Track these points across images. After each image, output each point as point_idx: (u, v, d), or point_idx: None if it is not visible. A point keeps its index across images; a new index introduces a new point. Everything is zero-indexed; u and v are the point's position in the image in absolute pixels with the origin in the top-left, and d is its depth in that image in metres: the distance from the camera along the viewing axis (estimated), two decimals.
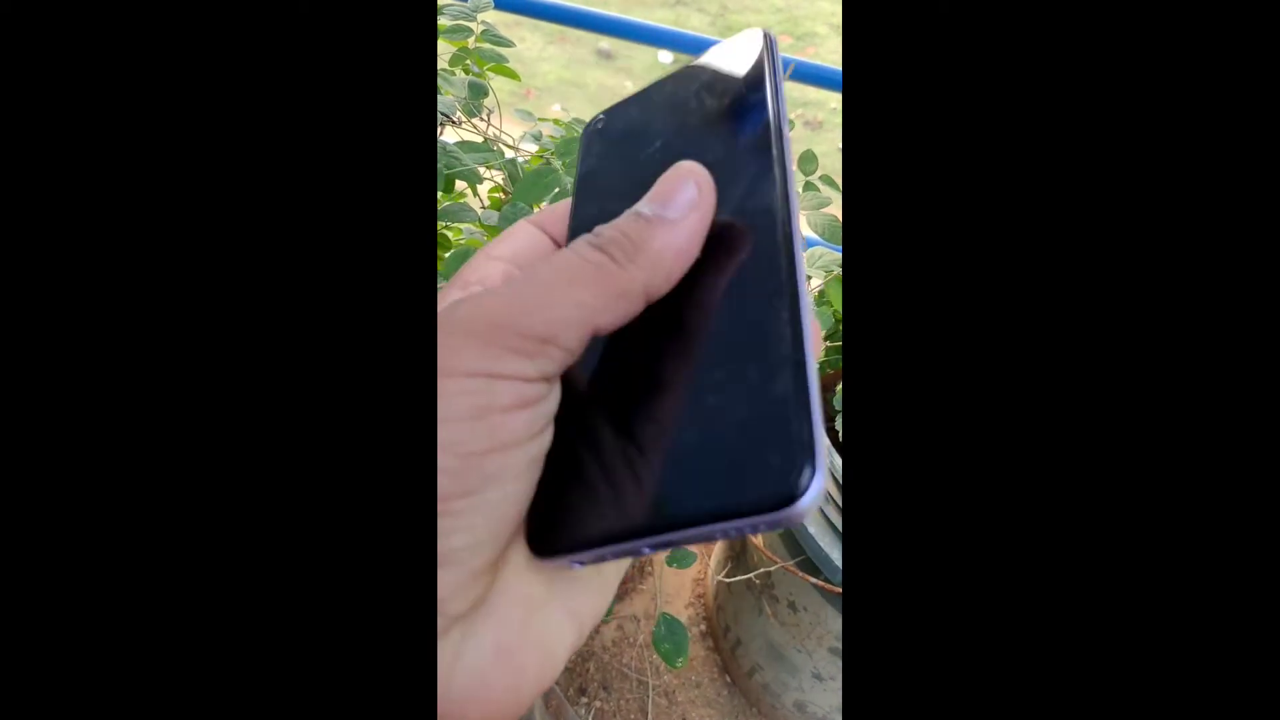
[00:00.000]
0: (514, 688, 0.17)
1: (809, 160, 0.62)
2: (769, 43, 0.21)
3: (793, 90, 2.72)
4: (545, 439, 0.18)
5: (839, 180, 0.64)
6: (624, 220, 0.18)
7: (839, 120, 2.66)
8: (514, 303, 0.17)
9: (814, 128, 2.64)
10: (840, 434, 0.60)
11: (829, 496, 0.71)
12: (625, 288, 0.17)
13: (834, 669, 0.86)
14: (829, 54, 3.01)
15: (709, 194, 0.18)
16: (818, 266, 0.57)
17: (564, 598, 0.19)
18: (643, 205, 0.18)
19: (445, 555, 0.16)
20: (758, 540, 0.82)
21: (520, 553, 0.18)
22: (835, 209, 0.62)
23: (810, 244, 0.66)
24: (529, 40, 2.83)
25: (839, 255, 0.58)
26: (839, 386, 0.61)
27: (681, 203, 0.18)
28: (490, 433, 0.16)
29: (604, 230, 0.18)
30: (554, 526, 0.18)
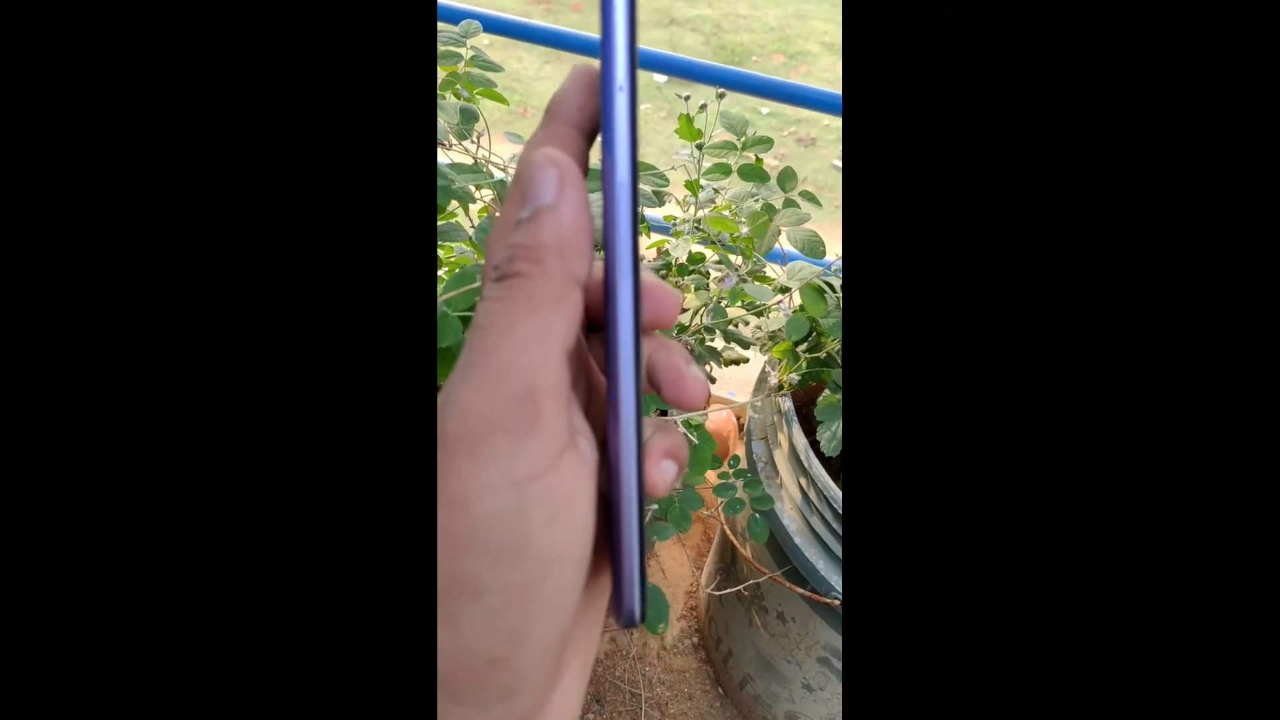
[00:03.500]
0: None
1: (789, 177, 0.64)
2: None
3: (786, 107, 2.75)
4: (590, 502, 0.18)
5: (826, 195, 0.66)
6: (513, 235, 0.18)
7: (831, 137, 2.69)
8: (479, 386, 0.16)
9: (806, 144, 2.67)
10: (821, 444, 0.62)
11: (813, 507, 0.72)
12: (553, 291, 0.17)
13: (824, 679, 0.87)
14: (821, 72, 3.05)
15: (569, 165, 0.18)
16: (796, 279, 0.59)
17: (580, 655, 0.19)
18: (521, 211, 0.18)
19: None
20: (746, 552, 0.83)
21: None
22: (814, 224, 0.64)
23: (792, 258, 0.68)
24: (526, 59, 2.88)
25: (818, 269, 0.60)
26: (821, 397, 0.62)
27: (548, 186, 0.17)
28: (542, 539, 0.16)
29: (499, 259, 0.17)
30: (638, 595, 0.19)
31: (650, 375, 0.20)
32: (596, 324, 0.19)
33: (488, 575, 0.16)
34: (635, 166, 0.18)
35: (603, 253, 0.18)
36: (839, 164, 2.53)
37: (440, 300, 0.39)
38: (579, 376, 0.20)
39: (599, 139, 0.19)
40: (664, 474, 0.19)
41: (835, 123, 2.75)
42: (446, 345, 0.39)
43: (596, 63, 0.18)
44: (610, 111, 0.18)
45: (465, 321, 0.39)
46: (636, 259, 0.18)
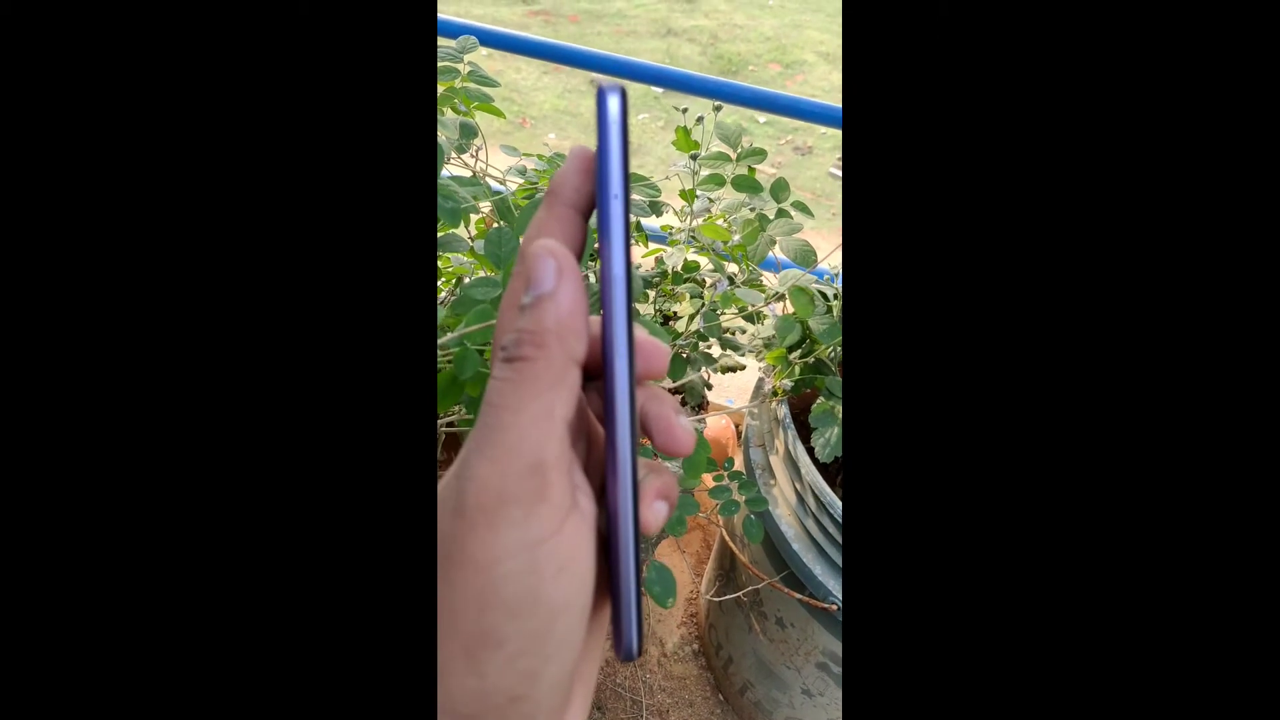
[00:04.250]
0: None
1: (781, 188, 0.65)
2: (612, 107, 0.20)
3: (782, 115, 2.77)
4: (589, 557, 0.20)
5: (824, 203, 0.67)
6: (519, 320, 0.20)
7: (828, 145, 2.71)
8: (494, 461, 0.18)
9: (804, 153, 2.69)
10: (816, 450, 0.63)
11: (809, 512, 0.72)
12: (555, 373, 0.19)
13: (823, 685, 0.87)
14: (818, 81, 3.07)
15: (566, 256, 0.20)
16: (786, 285, 0.60)
17: (585, 682, 0.22)
18: (524, 297, 0.20)
19: None
20: (745, 558, 0.84)
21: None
22: (812, 231, 0.65)
23: (785, 266, 0.69)
24: (525, 71, 2.90)
25: (812, 277, 0.61)
26: (815, 404, 0.63)
27: (547, 276, 0.20)
28: (551, 592, 0.18)
29: (505, 340, 0.19)
30: (635, 632, 0.21)
31: (643, 424, 0.22)
32: (592, 374, 0.21)
33: (508, 626, 0.18)
34: (629, 263, 0.20)
35: (601, 322, 0.20)
36: (836, 172, 2.54)
37: (460, 335, 0.41)
38: (579, 433, 0.22)
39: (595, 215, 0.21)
40: (656, 514, 0.22)
41: (832, 131, 2.76)
42: (465, 378, 0.41)
43: (592, 150, 0.20)
44: (606, 215, 0.20)
45: (483, 353, 0.41)
46: (631, 338, 0.20)
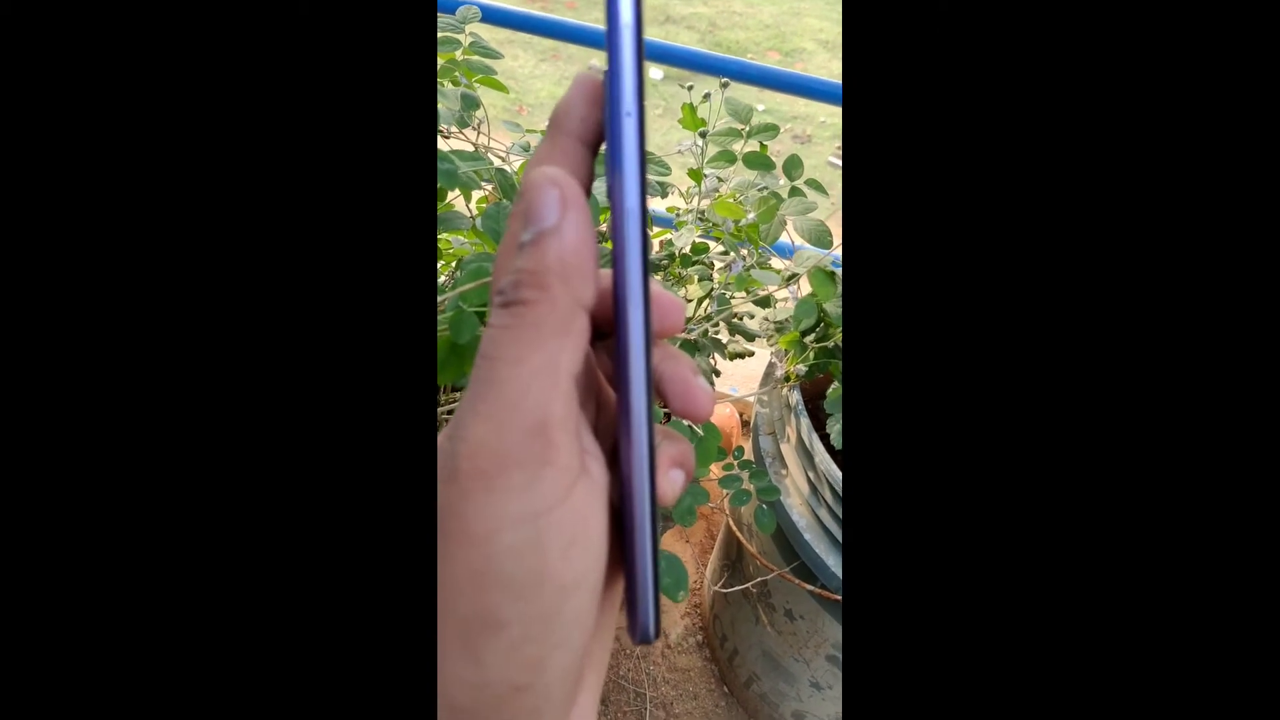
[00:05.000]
0: None
1: (795, 165, 0.63)
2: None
3: (782, 104, 2.75)
4: (602, 521, 0.17)
5: (826, 187, 0.65)
6: (517, 259, 0.17)
7: (827, 134, 2.68)
8: (490, 419, 0.16)
9: (803, 141, 2.66)
10: (831, 437, 0.61)
11: (822, 501, 0.71)
12: (559, 319, 0.16)
13: (832, 678, 0.86)
14: (817, 69, 3.05)
15: (571, 186, 0.17)
16: (804, 265, 0.58)
17: (596, 668, 0.19)
18: (523, 234, 0.17)
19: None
20: (753, 548, 0.82)
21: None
22: (820, 214, 0.63)
23: (791, 251, 0.67)
24: (521, 58, 2.86)
25: (825, 256, 0.59)
26: (830, 389, 0.61)
27: (550, 208, 0.17)
28: (559, 570, 0.16)
29: (502, 284, 0.17)
30: (652, 614, 0.19)
31: (657, 385, 0.20)
32: (602, 331, 0.19)
33: (509, 609, 0.16)
34: (644, 191, 0.18)
35: (612, 272, 0.18)
36: (835, 161, 2.52)
37: (457, 295, 0.38)
38: (588, 393, 0.20)
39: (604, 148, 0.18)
40: (672, 483, 0.19)
41: (831, 120, 2.74)
42: (464, 342, 0.38)
43: (599, 74, 0.18)
44: (618, 136, 0.17)
45: (481, 316, 0.38)
46: (647, 285, 0.18)
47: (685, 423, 0.58)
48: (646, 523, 0.18)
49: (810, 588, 0.71)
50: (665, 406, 0.21)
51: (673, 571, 0.55)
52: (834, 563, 0.69)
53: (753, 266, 0.62)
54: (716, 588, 0.95)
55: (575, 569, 0.16)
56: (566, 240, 0.17)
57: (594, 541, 0.17)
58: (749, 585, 0.87)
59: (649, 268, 0.18)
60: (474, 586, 0.16)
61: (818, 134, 2.70)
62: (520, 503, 0.16)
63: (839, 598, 0.69)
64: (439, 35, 0.56)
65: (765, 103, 2.68)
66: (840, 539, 0.69)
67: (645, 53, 0.18)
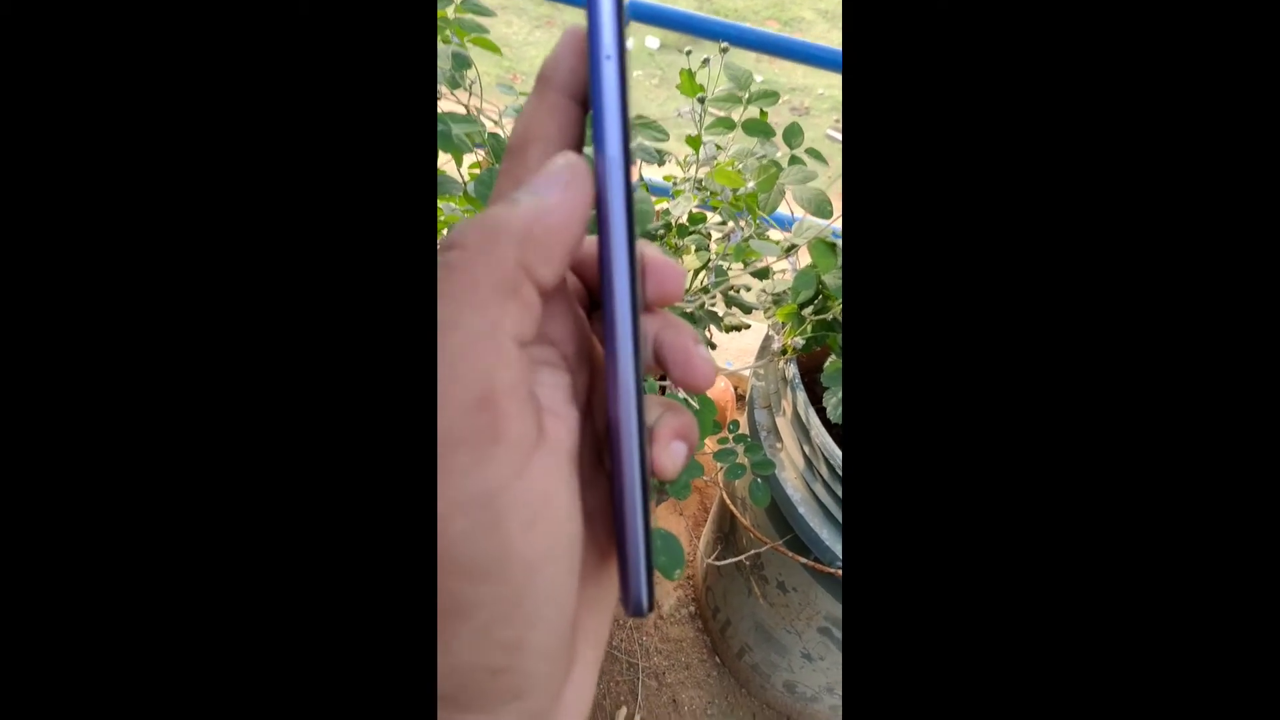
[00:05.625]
0: None
1: (795, 133, 0.61)
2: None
3: (779, 76, 2.71)
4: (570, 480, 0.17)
5: (825, 155, 0.63)
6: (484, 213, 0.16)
7: (825, 106, 2.65)
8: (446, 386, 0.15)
9: (801, 114, 2.62)
10: (828, 411, 0.60)
11: (818, 475, 0.70)
12: (499, 278, 0.15)
13: (823, 649, 0.86)
14: (816, 40, 2.99)
15: (580, 170, 0.17)
16: (804, 236, 0.57)
17: (592, 642, 0.19)
18: (515, 194, 0.16)
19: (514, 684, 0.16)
20: (746, 521, 0.82)
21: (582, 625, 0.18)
22: (819, 182, 0.62)
23: (790, 222, 0.66)
24: (515, 25, 2.80)
25: (826, 226, 0.58)
26: (828, 363, 0.60)
27: (553, 180, 0.16)
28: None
29: (443, 238, 0.16)
30: (644, 584, 0.18)
31: (658, 355, 0.19)
32: (598, 299, 0.18)
33: (473, 594, 0.15)
34: (627, 138, 0.17)
35: (597, 230, 0.17)
36: (833, 134, 2.49)
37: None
38: (581, 359, 0.19)
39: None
40: (674, 456, 0.19)
41: (829, 92, 2.70)
42: None
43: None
44: (599, 82, 0.17)
45: None
46: (632, 236, 0.17)
47: (681, 395, 0.57)
48: (637, 494, 0.17)
49: (804, 560, 0.71)
50: (666, 377, 0.20)
51: (669, 550, 0.54)
52: (828, 536, 0.69)
53: (751, 237, 0.61)
54: (710, 560, 0.96)
55: (540, 545, 0.15)
56: (547, 210, 0.16)
57: (560, 514, 0.16)
58: (742, 558, 0.88)
59: (634, 218, 0.17)
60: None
61: (816, 106, 2.66)
62: (470, 484, 0.15)
63: (832, 570, 0.69)
64: None
65: (762, 74, 2.64)
66: (835, 513, 0.69)
67: (638, 12, 0.17)
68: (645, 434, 0.18)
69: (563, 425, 0.17)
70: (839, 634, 0.83)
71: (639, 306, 0.17)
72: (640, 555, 0.18)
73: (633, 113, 0.18)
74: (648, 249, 0.20)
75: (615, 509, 0.18)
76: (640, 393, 0.17)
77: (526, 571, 0.15)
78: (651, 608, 0.18)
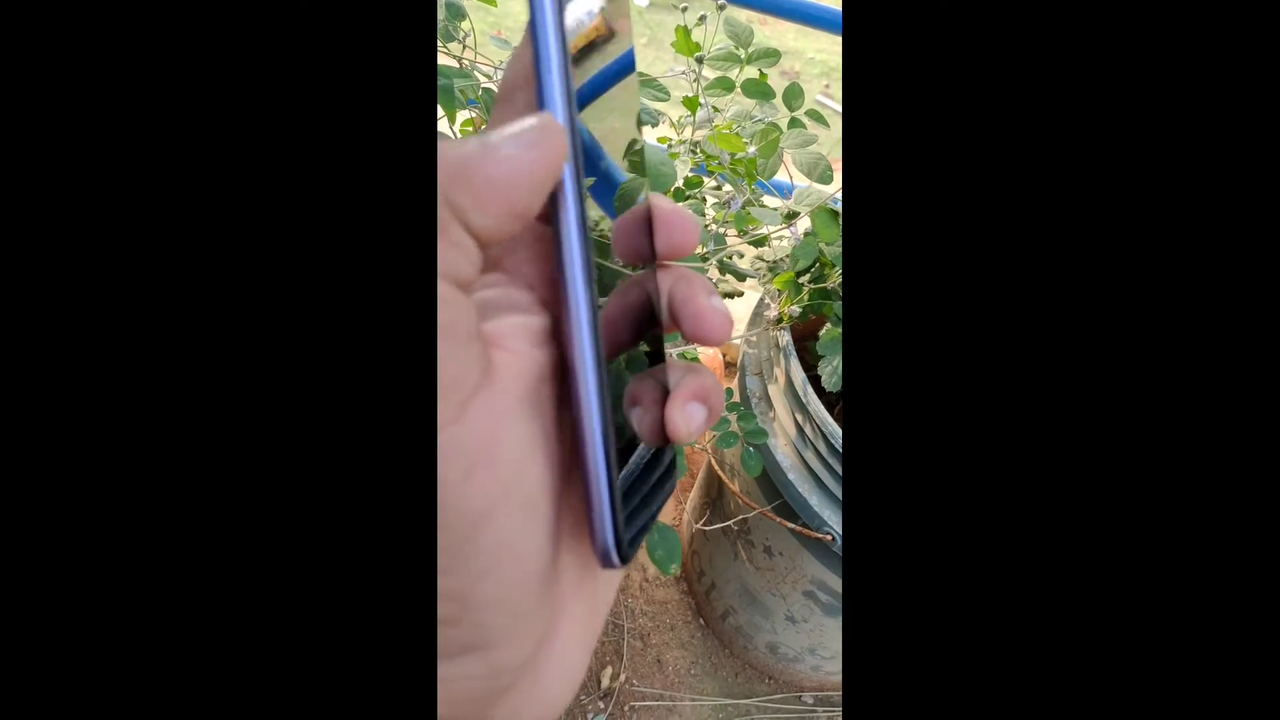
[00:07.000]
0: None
1: (795, 94, 0.60)
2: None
3: (769, 40, 2.66)
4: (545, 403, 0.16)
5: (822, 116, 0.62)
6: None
7: (815, 71, 2.61)
8: None
9: (790, 78, 2.59)
10: (822, 379, 0.60)
11: (809, 443, 0.71)
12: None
13: (808, 612, 0.88)
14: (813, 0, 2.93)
15: (557, 135, 0.16)
16: (806, 203, 0.56)
17: (584, 600, 0.18)
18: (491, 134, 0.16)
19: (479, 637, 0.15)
20: (734, 487, 0.83)
21: (568, 565, 0.17)
22: (820, 146, 0.61)
23: (786, 189, 0.65)
24: None
25: (829, 192, 0.57)
26: (823, 331, 0.60)
27: (522, 135, 0.15)
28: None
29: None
30: (609, 530, 0.17)
31: (670, 310, 0.19)
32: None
33: None
34: (567, 68, 0.16)
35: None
36: (824, 99, 2.46)
37: None
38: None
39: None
40: (690, 418, 0.18)
41: (820, 57, 2.66)
42: None
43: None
44: (534, 7, 0.16)
45: None
46: (577, 156, 0.16)
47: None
48: (597, 436, 0.16)
49: (792, 526, 0.72)
50: (678, 331, 0.19)
51: (666, 543, 0.53)
52: (817, 503, 0.70)
53: (750, 204, 0.60)
54: (699, 526, 0.97)
55: (483, 494, 0.14)
56: (495, 159, 0.15)
57: (510, 459, 0.15)
58: (730, 523, 0.88)
59: (579, 150, 0.16)
60: None
61: (806, 70, 2.63)
62: None
63: (821, 536, 0.70)
64: None
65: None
66: (825, 480, 0.70)
67: None
68: (604, 368, 0.16)
69: (518, 364, 0.16)
70: (824, 597, 0.85)
71: (588, 238, 0.16)
72: (604, 503, 0.16)
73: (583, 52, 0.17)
74: (660, 200, 0.19)
75: (578, 453, 0.17)
76: (595, 328, 0.16)
77: (467, 523, 0.14)
78: (625, 559, 0.17)
